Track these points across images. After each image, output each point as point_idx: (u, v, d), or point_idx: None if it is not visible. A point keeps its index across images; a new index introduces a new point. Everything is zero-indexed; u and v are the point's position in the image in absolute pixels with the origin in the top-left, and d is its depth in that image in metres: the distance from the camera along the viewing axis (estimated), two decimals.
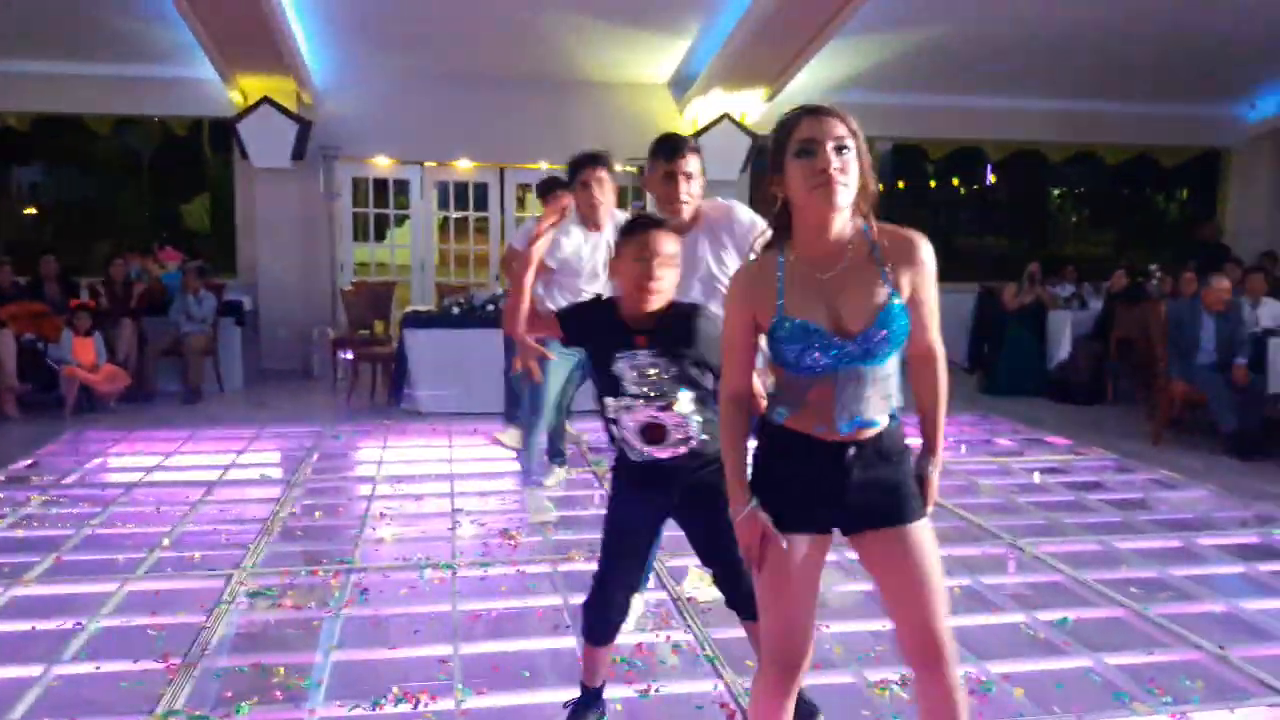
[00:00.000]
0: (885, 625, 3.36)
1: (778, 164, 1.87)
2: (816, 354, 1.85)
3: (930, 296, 1.93)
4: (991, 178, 17.13)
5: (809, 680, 2.86)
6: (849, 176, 1.81)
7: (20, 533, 4.44)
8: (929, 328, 1.96)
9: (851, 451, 1.89)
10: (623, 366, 2.32)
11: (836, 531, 1.98)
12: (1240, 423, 6.26)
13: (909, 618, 1.94)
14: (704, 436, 2.37)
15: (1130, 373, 8.23)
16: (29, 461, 5.77)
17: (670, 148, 3.18)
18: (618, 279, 2.38)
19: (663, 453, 2.35)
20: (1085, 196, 18.32)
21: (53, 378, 7.24)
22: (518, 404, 5.87)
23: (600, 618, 2.52)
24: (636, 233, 2.33)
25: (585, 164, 4.17)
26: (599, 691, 2.67)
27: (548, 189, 5.58)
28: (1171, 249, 12.74)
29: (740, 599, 2.55)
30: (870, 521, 1.93)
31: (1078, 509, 4.95)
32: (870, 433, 1.90)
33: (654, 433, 2.34)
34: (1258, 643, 3.30)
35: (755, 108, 9.53)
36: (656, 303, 2.31)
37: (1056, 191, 18.42)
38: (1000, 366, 8.78)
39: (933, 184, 17.54)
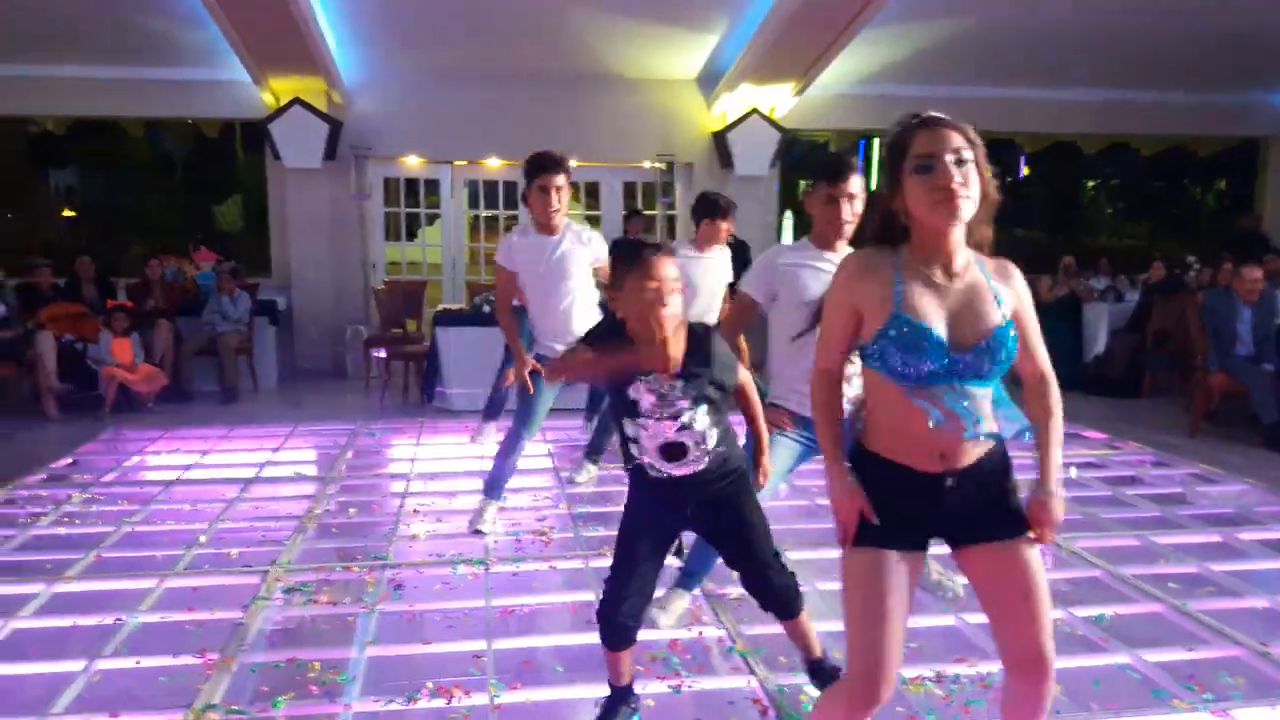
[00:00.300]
0: (918, 622, 3.35)
1: (894, 179, 1.84)
2: (927, 362, 1.80)
3: (1034, 323, 1.94)
4: (1025, 170, 16.98)
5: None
6: (970, 189, 1.78)
7: (61, 530, 4.51)
8: (1038, 352, 1.95)
9: (950, 482, 1.87)
10: (640, 390, 2.31)
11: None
12: None
13: (1010, 633, 1.93)
14: (721, 448, 2.37)
15: (1167, 365, 8.13)
16: (69, 460, 5.86)
17: (833, 170, 3.04)
18: (622, 310, 2.33)
19: (683, 469, 2.35)
20: (1120, 188, 18.09)
21: (92, 378, 7.35)
22: (498, 405, 6.04)
23: (612, 624, 2.51)
24: (637, 261, 2.27)
25: (544, 169, 4.02)
26: (629, 688, 2.66)
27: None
28: (1208, 240, 12.57)
29: (773, 600, 2.55)
30: (969, 538, 1.93)
31: (1115, 504, 4.90)
32: (969, 458, 1.87)
33: (674, 451, 2.33)
34: None
35: (784, 102, 9.51)
36: (668, 329, 2.27)
37: (1091, 183, 18.21)
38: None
39: None
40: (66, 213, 13.90)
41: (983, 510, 1.90)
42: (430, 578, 3.85)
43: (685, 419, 2.31)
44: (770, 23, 7.85)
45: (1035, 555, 1.92)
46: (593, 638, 3.25)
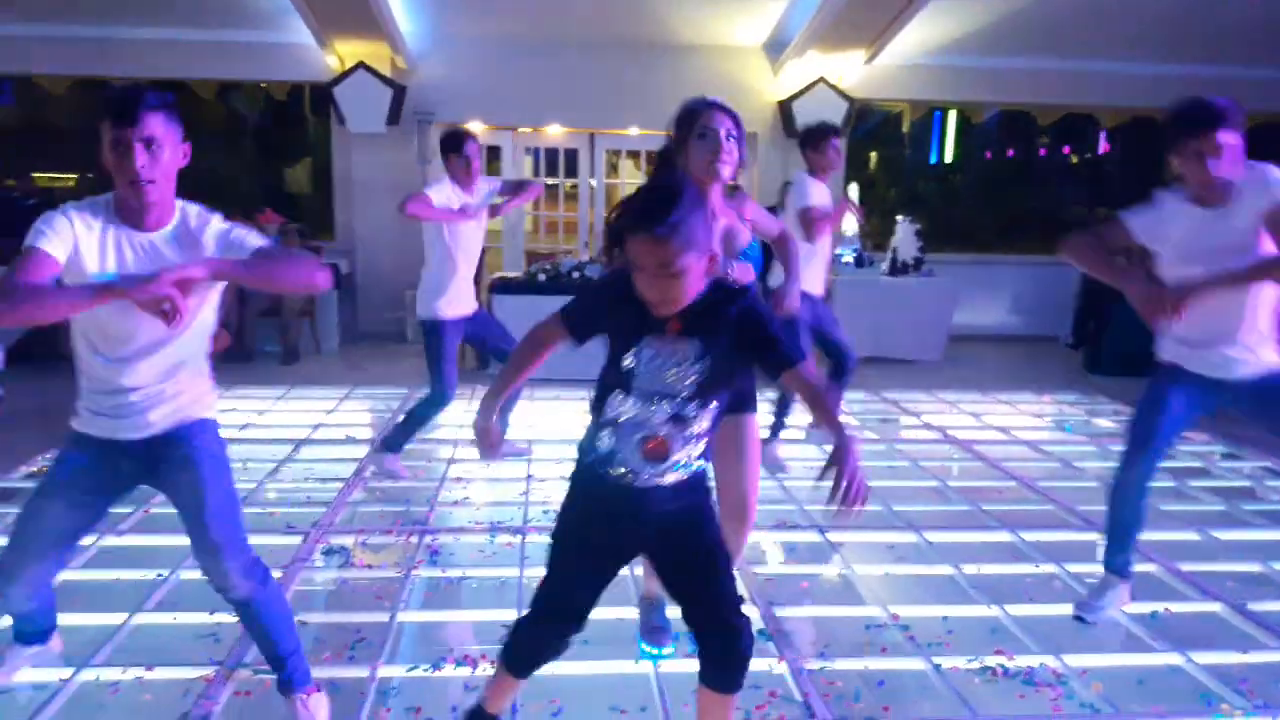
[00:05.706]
0: (958, 612, 3.26)
1: (681, 142, 2.55)
2: None
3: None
4: (1104, 146, 16.41)
5: (885, 663, 2.80)
6: (732, 158, 2.52)
7: None
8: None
9: None
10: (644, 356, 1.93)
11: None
12: None
13: (729, 486, 2.64)
14: (699, 466, 2.03)
15: None
16: None
17: (1195, 120, 2.77)
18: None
19: (652, 479, 1.98)
20: None
21: None
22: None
23: (527, 648, 2.18)
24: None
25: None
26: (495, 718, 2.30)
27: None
28: None
29: (735, 661, 2.05)
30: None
31: (1178, 496, 4.71)
32: None
33: (658, 450, 1.95)
34: None
35: (853, 70, 9.28)
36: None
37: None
38: (1106, 344, 8.43)
39: (1042, 152, 16.91)
40: None
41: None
42: (468, 545, 3.86)
43: (683, 411, 1.94)
44: None
45: (753, 425, 2.69)
46: (622, 612, 3.23)
